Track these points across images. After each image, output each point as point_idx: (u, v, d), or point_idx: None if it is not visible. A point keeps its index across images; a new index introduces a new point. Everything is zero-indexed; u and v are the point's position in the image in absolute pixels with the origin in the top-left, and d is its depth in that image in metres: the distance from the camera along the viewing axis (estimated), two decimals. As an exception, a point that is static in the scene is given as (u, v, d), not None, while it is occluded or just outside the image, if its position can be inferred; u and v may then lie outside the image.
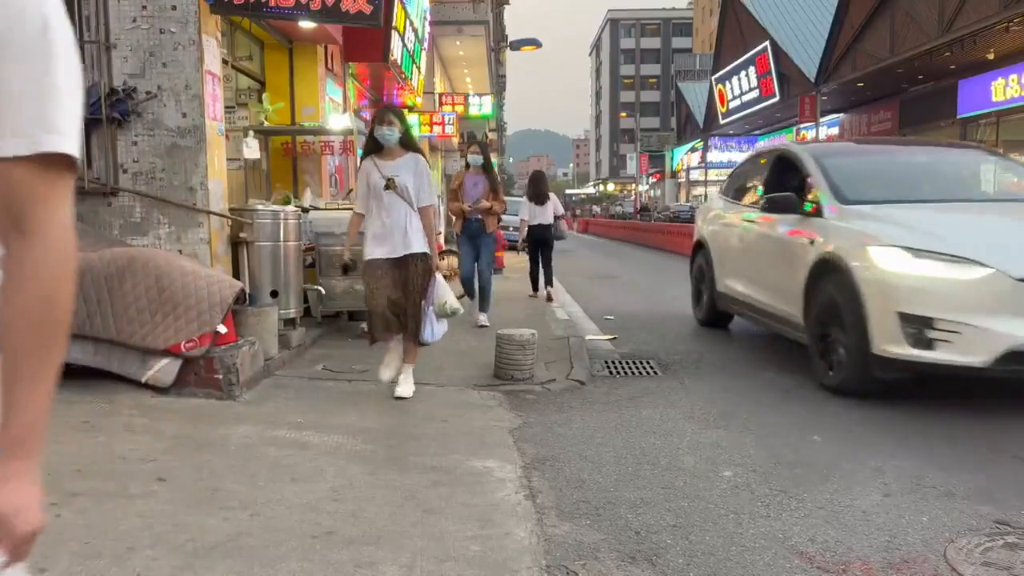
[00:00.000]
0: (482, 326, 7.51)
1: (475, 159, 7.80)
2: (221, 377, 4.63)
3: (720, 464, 3.71)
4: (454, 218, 8.04)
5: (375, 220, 4.78)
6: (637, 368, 5.94)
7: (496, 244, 14.59)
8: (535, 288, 10.34)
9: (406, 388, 4.82)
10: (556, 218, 10.24)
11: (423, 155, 4.94)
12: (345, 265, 5.05)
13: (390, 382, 4.85)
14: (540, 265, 10.18)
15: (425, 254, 4.78)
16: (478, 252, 7.90)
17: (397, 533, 2.80)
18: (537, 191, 10.20)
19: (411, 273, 4.75)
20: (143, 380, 4.61)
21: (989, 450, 3.91)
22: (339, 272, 5.70)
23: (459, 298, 6.82)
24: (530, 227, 10.12)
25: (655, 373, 5.78)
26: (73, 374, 4.80)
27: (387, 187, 4.71)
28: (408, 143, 4.87)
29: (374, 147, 4.85)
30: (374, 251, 4.75)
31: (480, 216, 7.72)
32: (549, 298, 10.02)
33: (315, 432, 4.01)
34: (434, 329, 4.93)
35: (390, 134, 4.76)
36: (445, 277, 10.18)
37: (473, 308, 7.88)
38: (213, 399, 4.60)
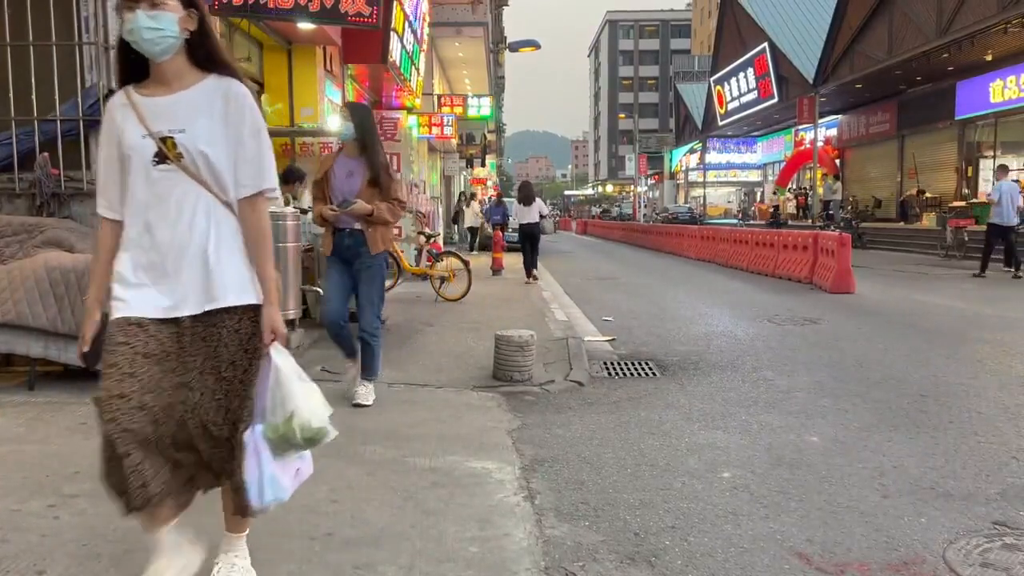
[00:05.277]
0: (358, 405, 4.62)
1: (347, 129, 4.66)
2: (219, 378, 4.60)
3: (719, 465, 3.71)
4: (325, 231, 4.90)
5: (133, 232, 2.20)
6: (636, 369, 5.94)
7: (495, 246, 14.83)
8: (528, 274, 12.89)
9: None
10: (542, 217, 13.44)
11: (241, 79, 2.30)
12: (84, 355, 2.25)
13: None
14: (530, 254, 13.07)
15: (253, 308, 2.24)
16: (355, 285, 4.76)
17: (396, 534, 2.80)
18: (524, 195, 13.33)
19: (221, 349, 2.20)
20: (141, 381, 4.58)
21: (988, 452, 3.91)
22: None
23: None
24: (520, 225, 13.32)
25: (654, 374, 5.78)
26: (69, 376, 4.81)
27: (159, 158, 2.16)
28: (206, 51, 2.23)
29: (128, 66, 2.23)
30: (129, 302, 2.15)
31: (357, 226, 4.65)
32: (533, 277, 12.76)
33: (314, 433, 4.00)
34: (265, 476, 2.15)
35: (155, 25, 2.09)
36: (444, 279, 10.46)
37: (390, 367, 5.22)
38: (212, 400, 4.58)
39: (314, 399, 2.22)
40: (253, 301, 2.23)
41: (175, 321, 2.16)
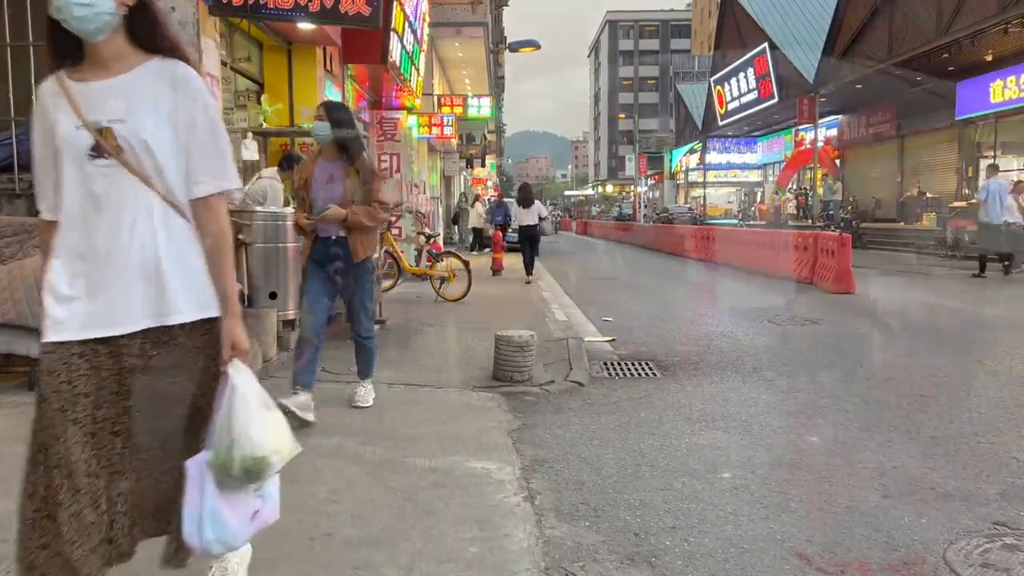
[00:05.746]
0: (357, 407, 4.60)
1: (322, 129, 4.32)
2: (219, 379, 4.59)
3: (719, 465, 3.71)
4: (304, 239, 4.57)
5: (67, 236, 1.92)
6: (636, 369, 5.94)
7: (495, 246, 14.84)
8: (528, 273, 13.05)
9: None
10: (541, 219, 13.52)
11: (191, 62, 2.04)
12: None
13: None
14: (529, 255, 13.24)
15: (209, 321, 1.99)
16: (344, 295, 4.55)
17: (396, 535, 2.80)
18: (523, 197, 13.52)
19: (176, 370, 1.96)
20: (141, 382, 4.57)
21: (988, 452, 3.91)
22: None
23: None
24: (520, 226, 13.51)
25: (654, 374, 5.78)
26: (71, 376, 4.80)
27: (97, 152, 1.89)
28: (148, 28, 1.96)
29: (61, 49, 1.94)
30: (64, 322, 1.88)
31: (341, 233, 4.38)
32: (528, 279, 12.81)
33: (314, 433, 4.01)
34: (206, 510, 1.91)
35: (86, 0, 1.82)
36: (444, 279, 10.46)
37: (359, 383, 4.77)
38: (211, 401, 4.57)
39: (268, 428, 1.95)
40: (212, 314, 1.97)
41: (114, 339, 1.88)
